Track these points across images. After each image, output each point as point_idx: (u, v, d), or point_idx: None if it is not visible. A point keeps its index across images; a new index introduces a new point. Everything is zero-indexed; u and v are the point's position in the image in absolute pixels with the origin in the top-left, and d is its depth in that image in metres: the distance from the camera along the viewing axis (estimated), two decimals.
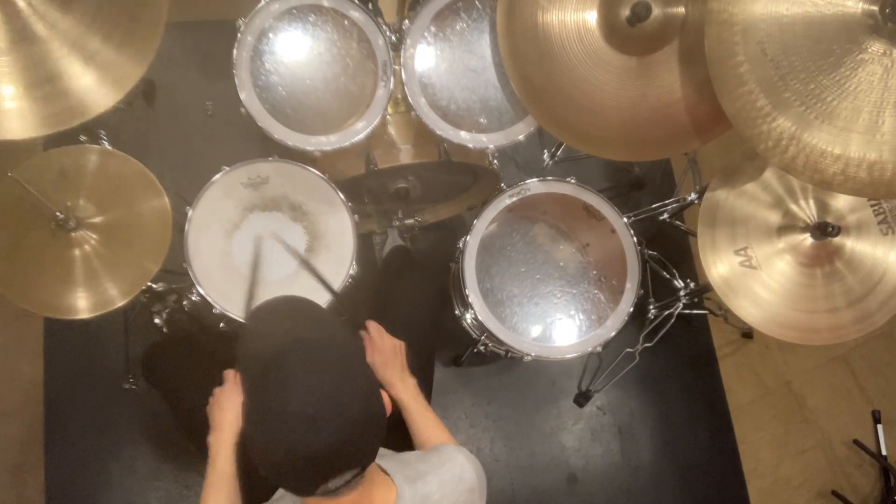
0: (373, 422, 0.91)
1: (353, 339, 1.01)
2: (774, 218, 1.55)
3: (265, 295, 1.48)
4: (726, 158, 1.59)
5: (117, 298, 1.41)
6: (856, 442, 2.31)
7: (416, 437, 1.31)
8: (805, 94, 1.16)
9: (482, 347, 1.72)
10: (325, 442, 0.84)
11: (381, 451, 1.27)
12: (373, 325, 1.44)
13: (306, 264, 1.51)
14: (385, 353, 1.39)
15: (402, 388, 1.35)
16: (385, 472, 1.04)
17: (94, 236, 1.43)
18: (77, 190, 1.44)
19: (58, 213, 1.37)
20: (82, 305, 1.40)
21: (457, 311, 1.72)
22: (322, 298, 1.49)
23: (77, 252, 1.42)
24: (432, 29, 1.52)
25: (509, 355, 1.71)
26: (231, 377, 1.35)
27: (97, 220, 1.44)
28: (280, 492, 1.20)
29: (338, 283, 1.52)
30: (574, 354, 1.61)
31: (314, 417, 0.84)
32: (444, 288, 1.77)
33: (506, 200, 1.62)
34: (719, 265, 1.53)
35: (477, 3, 1.53)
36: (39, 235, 1.40)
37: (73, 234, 1.41)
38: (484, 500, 1.14)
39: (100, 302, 1.41)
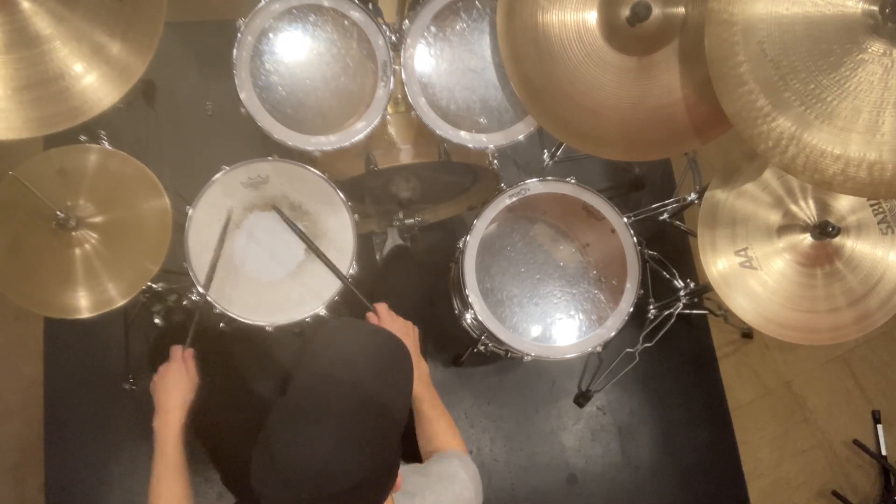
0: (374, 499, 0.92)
1: (404, 407, 0.99)
2: (774, 218, 1.54)
3: (262, 293, 1.49)
4: (726, 158, 1.59)
5: (117, 298, 1.42)
6: (856, 442, 2.31)
7: (422, 431, 1.29)
8: (805, 94, 1.16)
9: (482, 347, 1.72)
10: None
11: None
12: (381, 307, 1.42)
13: (308, 242, 1.50)
14: (394, 332, 1.37)
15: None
16: None
17: (95, 236, 1.43)
18: (77, 189, 1.44)
19: (58, 213, 1.37)
20: (82, 305, 1.41)
21: (457, 311, 1.72)
22: (321, 298, 1.49)
23: (77, 251, 1.42)
24: (432, 29, 1.52)
25: (509, 355, 1.71)
26: (178, 354, 1.31)
27: (97, 219, 1.44)
28: None
29: (337, 283, 1.52)
30: (574, 354, 1.61)
31: (311, 500, 0.85)
32: (437, 289, 1.77)
33: (506, 200, 1.62)
34: (719, 265, 1.53)
35: (477, 3, 1.53)
36: (40, 235, 1.41)
37: (73, 233, 1.41)
38: None
39: (100, 301, 1.41)
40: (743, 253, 1.53)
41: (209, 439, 1.38)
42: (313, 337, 0.96)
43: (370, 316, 1.41)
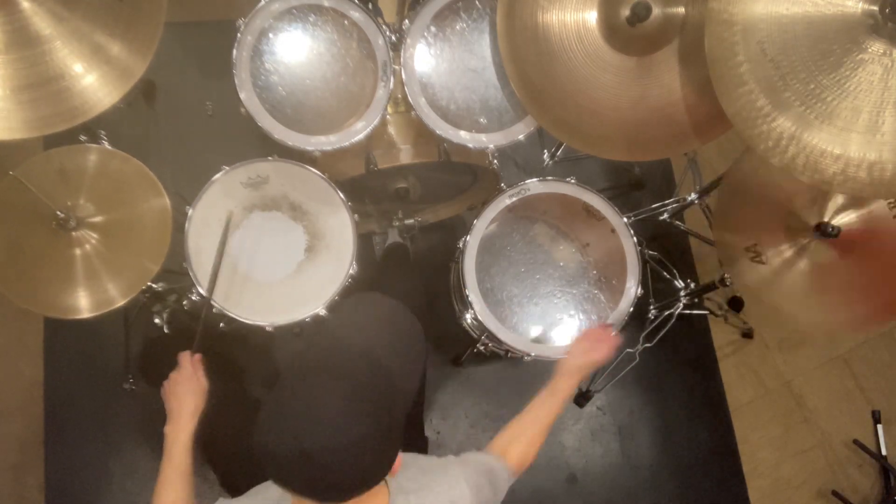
0: (369, 479, 0.93)
1: (412, 378, 1.02)
2: (785, 220, 1.54)
3: (262, 293, 1.49)
4: (726, 163, 1.59)
5: (117, 298, 1.42)
6: (856, 442, 2.31)
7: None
8: (805, 94, 1.16)
9: (482, 347, 1.72)
10: (305, 475, 0.88)
11: None
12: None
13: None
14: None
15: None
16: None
17: (95, 236, 1.43)
18: (77, 189, 1.44)
19: (58, 213, 1.37)
20: (82, 305, 1.41)
21: (457, 311, 1.72)
22: (322, 298, 1.49)
23: (77, 251, 1.42)
24: (432, 29, 1.52)
25: (509, 355, 1.71)
26: (187, 360, 1.31)
27: (97, 219, 1.44)
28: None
29: (337, 283, 1.51)
30: None
31: (308, 453, 0.87)
32: (436, 288, 1.77)
33: (506, 200, 1.62)
34: (744, 277, 1.52)
35: (477, 3, 1.53)
36: (40, 235, 1.41)
37: (73, 233, 1.41)
38: None
39: (100, 301, 1.41)
40: (755, 251, 1.51)
41: (206, 440, 1.39)
42: (336, 307, 0.99)
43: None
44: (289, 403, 0.90)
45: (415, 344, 1.01)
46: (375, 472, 0.93)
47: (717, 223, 1.55)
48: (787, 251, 1.52)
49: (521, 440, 1.26)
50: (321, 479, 0.89)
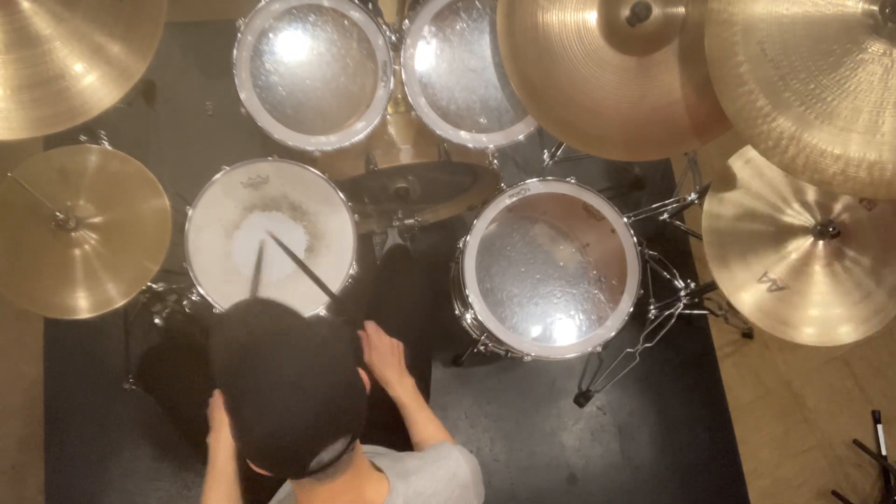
0: (354, 387, 0.92)
1: (324, 326, 1.03)
2: (777, 232, 1.54)
3: (262, 293, 1.49)
4: (713, 175, 1.58)
5: (117, 298, 1.42)
6: (856, 442, 2.31)
7: (414, 437, 1.32)
8: (805, 94, 1.16)
9: (482, 347, 1.72)
10: (310, 404, 0.85)
11: (378, 449, 1.27)
12: (371, 325, 1.45)
13: (304, 267, 1.51)
14: (383, 352, 1.40)
15: (401, 387, 1.36)
16: (378, 468, 1.04)
17: (94, 236, 1.43)
18: (77, 190, 1.44)
19: (58, 213, 1.37)
20: (82, 305, 1.41)
21: (457, 311, 1.72)
22: (321, 299, 1.49)
23: (77, 252, 1.42)
24: (432, 29, 1.52)
25: (509, 355, 1.71)
26: None
27: (97, 219, 1.44)
28: (281, 491, 1.20)
29: (338, 282, 1.51)
30: (574, 354, 1.61)
31: (296, 383, 0.85)
32: (437, 288, 1.77)
33: (506, 200, 1.63)
34: (748, 299, 1.53)
35: (477, 3, 1.53)
36: (39, 235, 1.41)
37: (73, 233, 1.41)
38: (481, 499, 1.14)
39: (100, 302, 1.41)
40: (766, 278, 1.52)
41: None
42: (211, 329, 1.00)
43: (360, 334, 1.45)
44: (259, 401, 0.86)
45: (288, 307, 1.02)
46: (360, 383, 0.94)
47: (720, 277, 1.55)
48: (797, 264, 1.52)
49: (438, 430, 1.32)
50: (325, 398, 0.86)
